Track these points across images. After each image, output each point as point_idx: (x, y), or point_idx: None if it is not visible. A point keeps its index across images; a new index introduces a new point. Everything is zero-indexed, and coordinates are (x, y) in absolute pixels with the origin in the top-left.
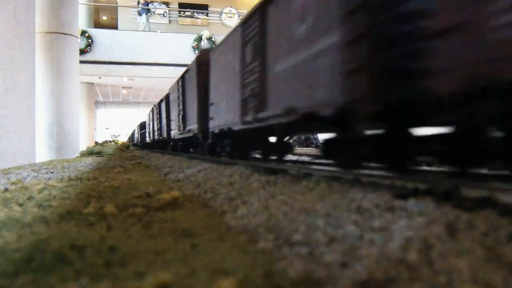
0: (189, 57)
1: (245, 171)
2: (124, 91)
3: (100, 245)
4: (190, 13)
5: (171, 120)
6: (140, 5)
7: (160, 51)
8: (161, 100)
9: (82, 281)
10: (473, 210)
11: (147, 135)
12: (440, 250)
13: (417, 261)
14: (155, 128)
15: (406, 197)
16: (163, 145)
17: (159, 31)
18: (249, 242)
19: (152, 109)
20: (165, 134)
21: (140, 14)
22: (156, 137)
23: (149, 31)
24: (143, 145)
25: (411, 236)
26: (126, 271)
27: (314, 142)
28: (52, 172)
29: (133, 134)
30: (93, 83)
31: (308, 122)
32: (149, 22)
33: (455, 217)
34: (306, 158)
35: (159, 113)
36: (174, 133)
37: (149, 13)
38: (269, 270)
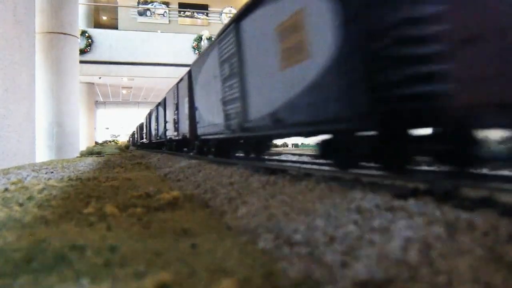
0: (189, 57)
1: (245, 171)
2: (124, 91)
3: (100, 245)
4: (190, 13)
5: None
6: None
7: (160, 51)
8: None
9: (82, 281)
10: (473, 210)
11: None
12: (440, 250)
13: (417, 261)
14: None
15: (406, 197)
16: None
17: (159, 31)
18: (249, 242)
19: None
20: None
21: None
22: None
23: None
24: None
25: (411, 236)
26: (126, 271)
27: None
28: (52, 172)
29: (141, 128)
30: (93, 83)
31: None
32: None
33: (455, 217)
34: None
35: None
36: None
37: None
38: (269, 270)
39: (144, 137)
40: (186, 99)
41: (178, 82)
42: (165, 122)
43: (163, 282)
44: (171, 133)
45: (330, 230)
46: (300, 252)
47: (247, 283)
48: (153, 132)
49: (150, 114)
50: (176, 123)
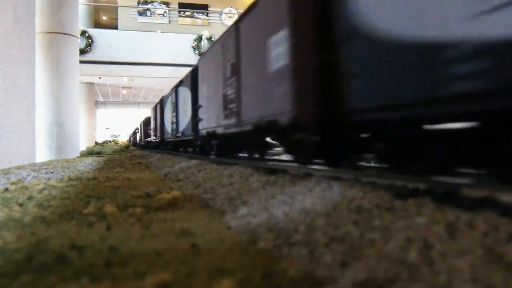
0: (189, 57)
1: (245, 171)
2: (124, 91)
3: (100, 245)
4: (190, 13)
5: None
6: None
7: (160, 51)
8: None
9: (82, 281)
10: (473, 210)
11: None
12: (440, 250)
13: (417, 261)
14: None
15: (406, 197)
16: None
17: (159, 31)
18: (249, 242)
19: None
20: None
21: None
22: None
23: None
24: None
25: (411, 236)
26: (126, 271)
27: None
28: (52, 172)
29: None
30: (93, 83)
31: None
32: None
33: (455, 217)
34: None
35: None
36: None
37: None
38: (269, 270)
39: (152, 134)
40: (283, 49)
41: (225, 36)
42: (195, 108)
43: (163, 282)
44: (211, 124)
45: (330, 230)
46: (300, 252)
47: (247, 283)
48: (168, 127)
49: (161, 104)
50: (230, 102)
